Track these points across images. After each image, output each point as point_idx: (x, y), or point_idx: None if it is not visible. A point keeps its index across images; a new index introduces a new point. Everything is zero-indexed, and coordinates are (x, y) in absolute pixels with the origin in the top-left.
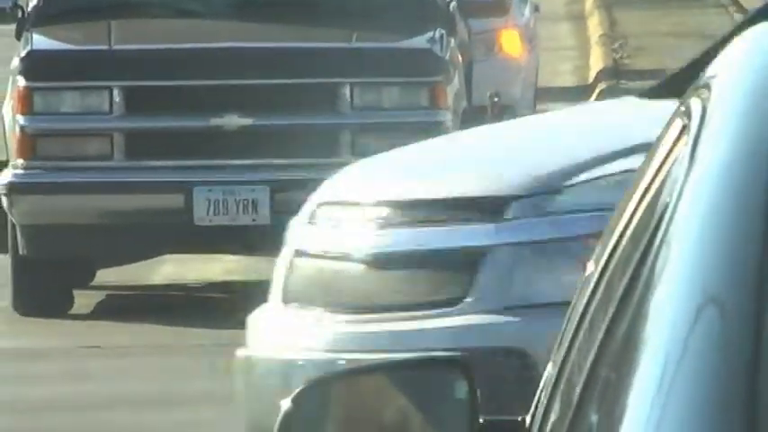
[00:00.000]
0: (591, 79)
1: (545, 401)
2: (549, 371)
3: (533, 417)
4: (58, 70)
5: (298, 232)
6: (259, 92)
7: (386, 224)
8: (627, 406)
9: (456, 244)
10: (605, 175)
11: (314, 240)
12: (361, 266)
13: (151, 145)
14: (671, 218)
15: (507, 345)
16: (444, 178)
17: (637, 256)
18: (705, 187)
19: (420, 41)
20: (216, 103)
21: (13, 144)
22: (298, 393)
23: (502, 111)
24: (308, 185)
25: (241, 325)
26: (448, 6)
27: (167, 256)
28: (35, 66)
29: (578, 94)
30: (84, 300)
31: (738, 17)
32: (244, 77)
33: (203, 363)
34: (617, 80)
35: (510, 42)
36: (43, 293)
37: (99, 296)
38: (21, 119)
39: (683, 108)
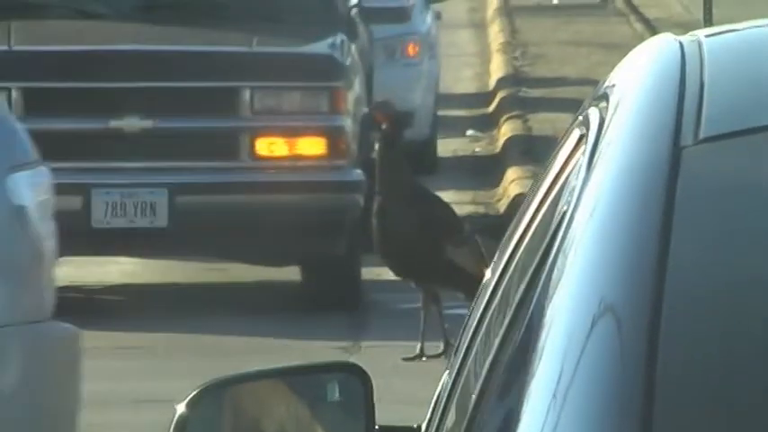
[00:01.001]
0: (491, 86)
1: (441, 408)
2: (445, 378)
3: (429, 423)
4: None
5: None
6: (159, 94)
7: None
8: (522, 414)
9: None
10: None
11: None
12: None
13: (50, 146)
14: (568, 226)
15: None
16: None
17: (534, 264)
18: (602, 196)
19: (321, 47)
20: (116, 106)
21: None
22: (193, 396)
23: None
24: (207, 189)
25: (138, 327)
26: (349, 12)
27: (64, 259)
28: None
29: (479, 100)
30: None
31: (639, 26)
32: (144, 80)
33: (99, 365)
34: (517, 87)
35: (411, 49)
36: None
37: None
38: None
39: (580, 118)
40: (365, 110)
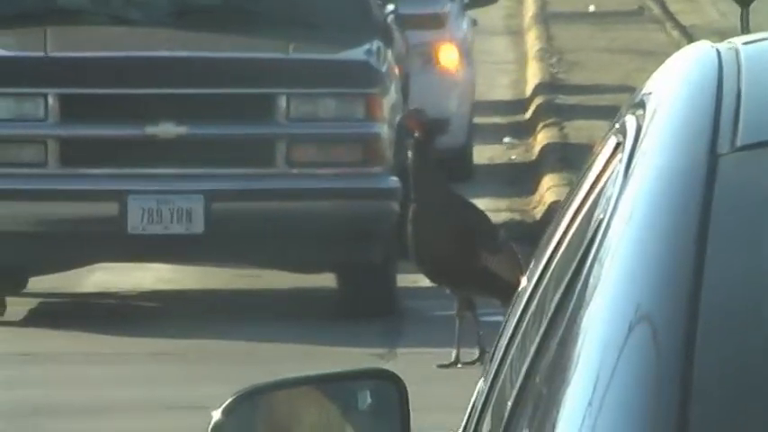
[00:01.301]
0: (528, 93)
1: (476, 416)
2: (481, 385)
3: (464, 430)
4: None
5: None
6: (195, 101)
7: None
8: (558, 422)
9: None
10: None
11: None
12: None
13: (86, 152)
14: (604, 234)
15: None
16: None
17: (570, 271)
18: (638, 204)
19: (357, 53)
20: (152, 112)
21: None
22: (228, 404)
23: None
24: (243, 195)
25: (172, 333)
26: (385, 19)
27: (100, 265)
28: None
29: (515, 107)
30: (16, 307)
31: (675, 34)
32: (180, 86)
33: (135, 371)
34: (553, 95)
35: (447, 56)
36: None
37: (31, 303)
38: None
39: (617, 125)
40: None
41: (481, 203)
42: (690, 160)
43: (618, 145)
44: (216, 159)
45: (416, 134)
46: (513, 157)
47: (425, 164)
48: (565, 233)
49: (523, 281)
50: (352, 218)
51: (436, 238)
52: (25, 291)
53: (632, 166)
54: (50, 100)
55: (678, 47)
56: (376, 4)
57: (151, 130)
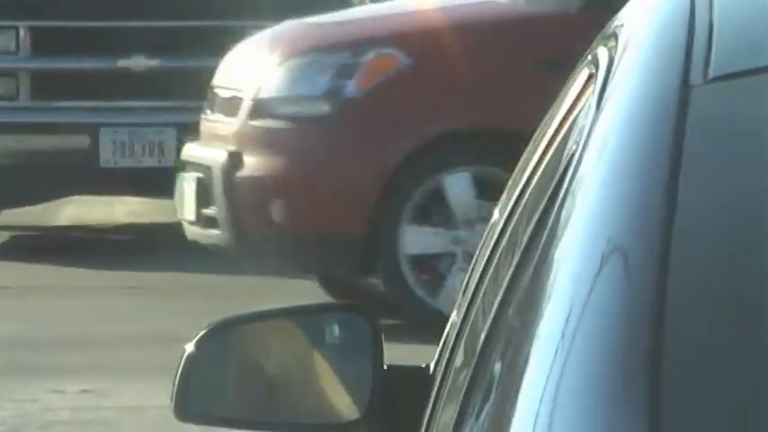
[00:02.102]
0: None
1: (449, 348)
2: (454, 318)
3: (437, 363)
4: None
5: None
6: (167, 34)
7: None
8: (530, 354)
9: None
10: None
11: None
12: None
13: (57, 86)
14: (576, 167)
15: None
16: None
17: (542, 204)
18: (611, 136)
19: None
20: (123, 45)
21: None
22: (201, 337)
23: None
24: None
25: (145, 266)
26: None
27: (72, 198)
28: None
29: None
30: None
31: None
32: (151, 19)
33: (109, 304)
34: None
35: None
36: None
37: (3, 237)
38: None
39: (589, 57)
40: None
41: None
42: (662, 91)
43: (590, 77)
44: (188, 92)
45: None
46: None
47: None
48: (537, 165)
49: (495, 213)
50: None
51: None
52: None
53: (604, 98)
54: (22, 32)
55: None
56: None
57: (123, 62)
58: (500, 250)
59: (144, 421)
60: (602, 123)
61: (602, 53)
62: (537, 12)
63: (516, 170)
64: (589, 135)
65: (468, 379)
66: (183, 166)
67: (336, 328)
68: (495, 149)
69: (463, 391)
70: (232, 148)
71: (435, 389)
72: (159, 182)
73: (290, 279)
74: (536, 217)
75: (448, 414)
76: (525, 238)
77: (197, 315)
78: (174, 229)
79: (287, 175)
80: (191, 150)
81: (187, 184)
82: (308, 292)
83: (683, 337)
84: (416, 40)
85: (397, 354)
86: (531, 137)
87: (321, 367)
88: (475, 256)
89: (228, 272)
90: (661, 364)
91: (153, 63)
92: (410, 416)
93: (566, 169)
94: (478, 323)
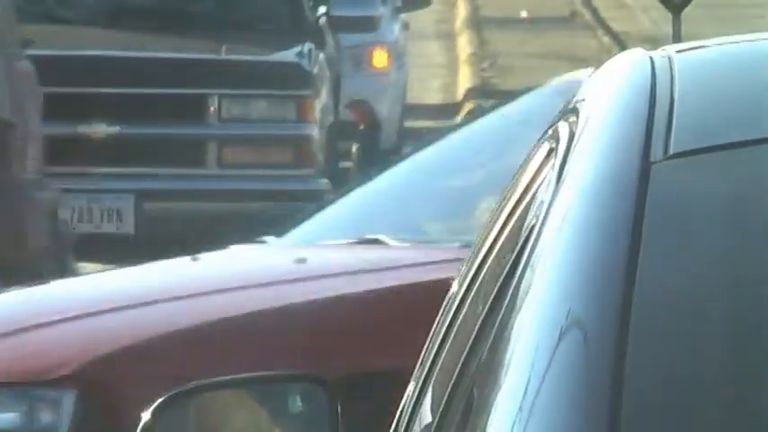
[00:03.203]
0: (459, 97)
1: (406, 420)
2: (410, 390)
3: None
4: None
5: None
6: (127, 100)
7: None
8: (488, 426)
9: None
10: None
11: None
12: None
13: None
14: (536, 240)
15: None
16: None
17: (501, 277)
18: (570, 210)
19: (289, 55)
20: (83, 111)
21: None
22: (157, 405)
23: (371, 121)
24: (174, 195)
25: None
26: (317, 21)
27: None
28: None
29: (446, 111)
30: None
31: (606, 40)
32: (112, 85)
33: None
34: (484, 99)
35: (379, 59)
36: None
37: None
38: None
39: (550, 131)
40: (332, 119)
41: None
42: (622, 167)
43: (550, 151)
44: (147, 159)
45: (361, 126)
46: None
47: (372, 156)
48: (497, 237)
49: (454, 285)
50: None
51: None
52: None
53: (564, 172)
54: None
55: (609, 53)
56: (308, 5)
57: (82, 128)
58: (458, 322)
59: None
60: (562, 198)
61: (563, 128)
62: None
63: (476, 242)
64: (549, 209)
65: None
66: None
67: (298, 399)
68: None
69: None
70: None
71: None
72: (118, 248)
73: None
74: (495, 290)
75: None
76: (484, 311)
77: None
78: None
79: None
80: None
81: None
82: None
83: (640, 412)
84: None
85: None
86: None
87: None
88: (433, 327)
89: None
90: None
91: (112, 129)
92: None
93: (525, 242)
94: (436, 394)
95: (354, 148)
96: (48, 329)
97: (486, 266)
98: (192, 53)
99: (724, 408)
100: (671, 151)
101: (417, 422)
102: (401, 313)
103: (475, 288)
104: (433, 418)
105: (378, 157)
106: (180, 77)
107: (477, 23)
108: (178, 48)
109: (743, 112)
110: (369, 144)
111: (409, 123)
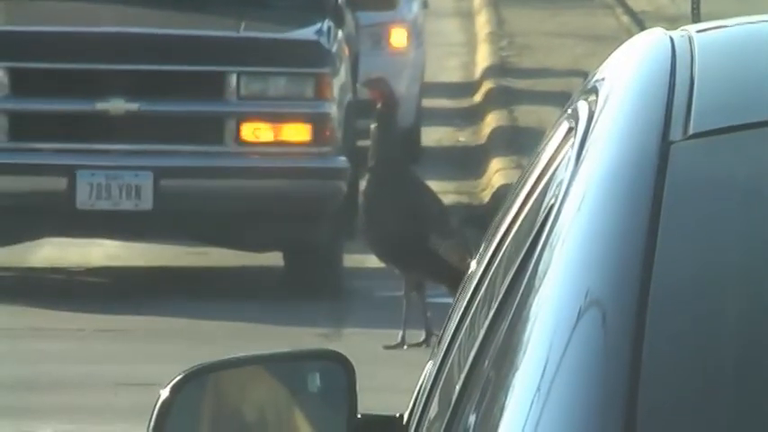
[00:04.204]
0: (477, 76)
1: (423, 398)
2: (429, 368)
3: (411, 414)
4: None
5: None
6: (146, 77)
7: None
8: (505, 406)
9: None
10: None
11: None
12: None
13: (35, 127)
14: (555, 219)
15: None
16: None
17: (520, 256)
18: (590, 190)
19: (307, 33)
20: (102, 88)
21: None
22: (176, 382)
23: (389, 99)
24: (192, 173)
25: (120, 310)
26: None
27: (48, 239)
28: None
29: (464, 90)
30: None
31: (625, 19)
32: (130, 62)
33: (83, 347)
34: (503, 78)
35: (397, 37)
36: None
37: None
38: None
39: (569, 110)
40: (351, 97)
41: (429, 185)
42: (642, 147)
43: (570, 130)
44: (165, 136)
45: (378, 105)
46: (462, 140)
47: (387, 137)
48: (515, 217)
49: (473, 264)
50: (300, 197)
51: (388, 215)
52: None
53: (584, 151)
54: (0, 74)
55: (628, 32)
56: None
57: (101, 105)
58: (477, 301)
59: None
60: (581, 177)
61: (582, 107)
62: None
63: (495, 220)
64: (568, 188)
65: (442, 430)
66: None
67: (317, 377)
68: None
69: None
70: None
71: None
72: (136, 225)
73: (263, 324)
74: (514, 269)
75: None
76: (503, 290)
77: (173, 359)
78: (149, 272)
79: None
80: None
81: None
82: (279, 336)
83: (659, 392)
84: None
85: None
86: None
87: (296, 415)
88: (452, 306)
89: (206, 316)
90: (637, 418)
91: (131, 106)
92: None
93: (544, 222)
94: (454, 374)
95: (372, 127)
96: None
97: (505, 246)
98: (211, 30)
99: (741, 387)
100: (690, 132)
101: (436, 401)
102: None
103: (494, 267)
104: (451, 397)
105: (395, 136)
106: (199, 55)
107: (496, 2)
108: (197, 25)
109: (763, 91)
110: (386, 122)
111: (427, 102)
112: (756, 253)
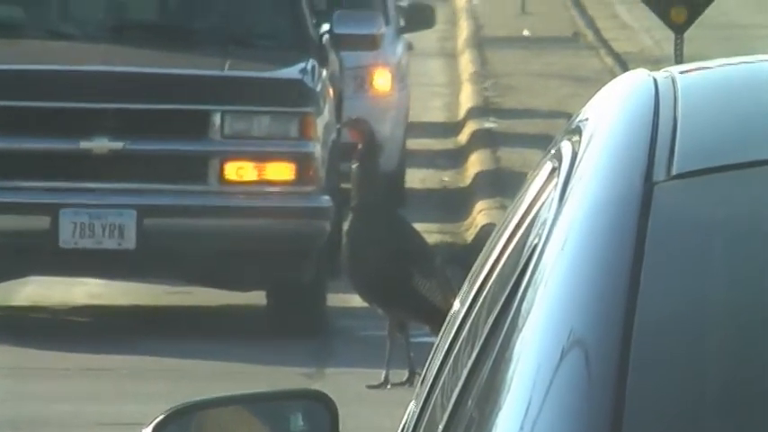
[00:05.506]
0: (461, 116)
1: None
2: (412, 407)
3: None
4: None
5: None
6: (130, 116)
7: None
8: None
9: None
10: None
11: None
12: None
13: (19, 165)
14: (538, 260)
15: None
16: None
17: (503, 296)
18: (573, 230)
19: (291, 72)
20: (86, 126)
21: None
22: (159, 421)
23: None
24: (176, 212)
25: (104, 349)
26: (320, 38)
27: (31, 278)
28: None
29: (448, 130)
30: None
31: (609, 60)
32: (114, 101)
33: (66, 386)
34: (487, 118)
35: (381, 80)
36: None
37: None
38: None
39: (553, 151)
40: (335, 137)
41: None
42: (625, 188)
43: (553, 170)
44: (149, 175)
45: (360, 146)
46: (446, 179)
47: (369, 177)
48: (499, 257)
49: (456, 303)
50: (283, 236)
51: (371, 254)
52: None
53: (567, 192)
54: None
55: (612, 73)
56: (311, 23)
57: (85, 144)
58: (460, 341)
59: None
60: (564, 217)
61: (566, 147)
62: None
63: (478, 260)
64: (551, 228)
65: None
66: None
67: (300, 417)
68: None
69: None
70: None
71: None
72: (119, 264)
73: (246, 364)
74: (497, 308)
75: None
76: (486, 330)
77: (157, 399)
78: (132, 311)
79: None
80: None
81: None
82: (262, 376)
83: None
84: None
85: None
86: None
87: None
88: (435, 346)
89: (190, 356)
90: None
91: (115, 145)
92: None
93: (527, 261)
94: (437, 414)
95: (354, 167)
96: None
97: (489, 285)
98: (195, 69)
99: (725, 426)
100: (674, 172)
101: None
102: None
103: (477, 306)
104: None
105: (377, 176)
106: (183, 93)
107: (480, 42)
108: (181, 64)
109: (746, 133)
110: (368, 163)
111: (411, 142)
112: (739, 293)
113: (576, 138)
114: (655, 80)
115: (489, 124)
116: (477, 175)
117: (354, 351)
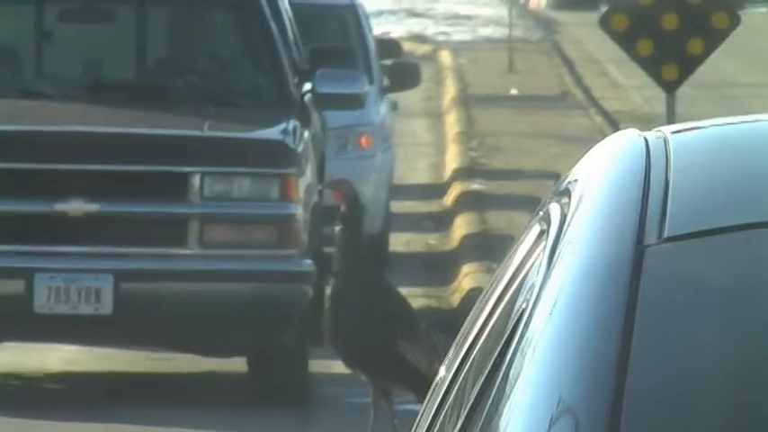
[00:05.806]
0: (446, 177)
1: None
2: None
3: None
4: None
5: None
6: (106, 178)
7: None
8: None
9: None
10: None
11: None
12: None
13: None
14: (526, 325)
15: None
16: None
17: (491, 362)
18: (562, 294)
19: (272, 132)
20: (61, 188)
21: None
22: None
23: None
24: (154, 276)
25: (77, 418)
26: (302, 98)
27: (5, 344)
28: None
29: (433, 192)
30: None
31: (599, 119)
32: (90, 162)
33: None
34: (473, 179)
35: (364, 141)
36: None
37: None
38: None
39: (541, 213)
40: (317, 198)
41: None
42: (615, 251)
43: (542, 233)
44: (126, 238)
45: (342, 207)
46: (431, 243)
47: (352, 239)
48: (486, 322)
49: (442, 370)
50: (264, 301)
51: (354, 319)
52: None
53: (556, 255)
54: None
55: (602, 132)
56: (293, 82)
57: (60, 206)
58: (446, 409)
59: None
60: (553, 281)
61: (555, 209)
62: None
63: (464, 325)
64: (540, 293)
65: None
66: None
67: None
68: None
69: None
70: None
71: None
72: (95, 330)
73: (235, 431)
74: (484, 375)
75: None
76: (473, 397)
77: None
78: (109, 378)
79: None
80: None
81: None
82: None
83: None
84: None
85: None
86: None
87: None
88: (420, 413)
89: (169, 423)
90: None
91: (91, 207)
92: None
93: (515, 327)
94: None
95: (337, 230)
96: None
97: (476, 351)
98: (174, 129)
99: None
100: (665, 235)
101: None
102: None
103: (463, 373)
104: None
105: (361, 239)
106: (161, 154)
107: (466, 101)
108: (160, 124)
109: (738, 195)
110: (351, 225)
111: (395, 204)
112: (731, 358)
113: (564, 199)
114: (646, 140)
115: (476, 186)
116: (464, 237)
117: (337, 419)
